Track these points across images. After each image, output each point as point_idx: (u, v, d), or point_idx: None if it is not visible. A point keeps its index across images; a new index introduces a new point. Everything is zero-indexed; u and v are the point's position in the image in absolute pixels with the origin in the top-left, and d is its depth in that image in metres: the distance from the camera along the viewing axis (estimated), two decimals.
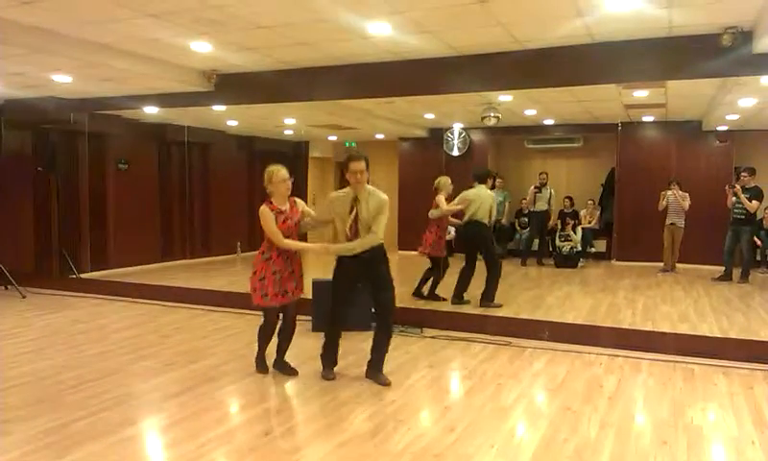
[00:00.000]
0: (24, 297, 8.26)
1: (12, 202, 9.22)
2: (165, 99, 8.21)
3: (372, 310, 5.67)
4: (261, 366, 5.01)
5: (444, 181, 7.75)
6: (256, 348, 5.02)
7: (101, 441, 3.64)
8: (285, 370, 4.96)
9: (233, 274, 10.67)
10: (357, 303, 5.29)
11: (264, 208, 4.63)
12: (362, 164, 4.55)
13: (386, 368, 5.07)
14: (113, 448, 3.57)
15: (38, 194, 9.58)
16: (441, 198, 7.59)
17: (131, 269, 10.36)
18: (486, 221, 7.46)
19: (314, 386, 4.69)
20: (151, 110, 9.02)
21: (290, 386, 4.79)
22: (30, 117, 8.92)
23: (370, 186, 4.66)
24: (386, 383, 4.68)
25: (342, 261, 4.76)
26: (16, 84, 7.63)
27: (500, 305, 7.34)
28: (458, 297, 7.49)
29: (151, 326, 6.76)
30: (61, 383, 4.71)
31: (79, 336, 6.26)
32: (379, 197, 4.61)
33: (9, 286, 8.50)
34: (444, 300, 7.61)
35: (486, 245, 7.56)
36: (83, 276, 9.46)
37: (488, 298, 7.38)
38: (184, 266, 11.35)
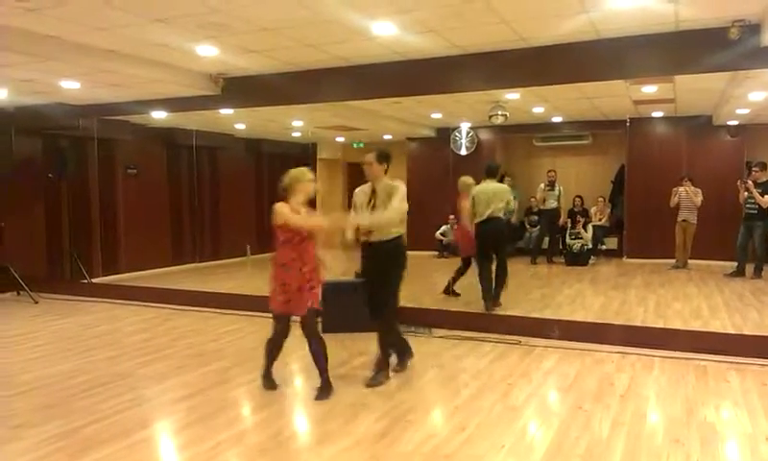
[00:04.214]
0: (36, 302, 8.32)
1: (24, 208, 9.29)
2: (173, 103, 8.24)
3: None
4: (270, 383, 4.69)
5: (465, 184, 7.75)
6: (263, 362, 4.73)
7: (112, 445, 3.66)
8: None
9: (244, 276, 10.70)
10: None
11: (281, 204, 4.47)
12: (371, 156, 4.81)
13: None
14: (125, 451, 3.58)
15: (49, 200, 9.65)
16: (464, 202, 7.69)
17: (141, 273, 10.43)
18: (501, 216, 7.25)
19: None
20: (159, 115, 9.07)
21: (300, 388, 4.79)
22: (40, 124, 8.98)
23: (388, 180, 4.83)
24: (368, 384, 4.66)
25: (363, 255, 4.90)
26: (26, 91, 7.69)
27: (501, 305, 7.31)
28: (495, 298, 7.36)
29: (162, 329, 6.79)
30: (73, 387, 4.74)
31: (90, 340, 6.30)
32: (391, 184, 4.81)
33: (21, 292, 8.58)
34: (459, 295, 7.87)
35: (503, 242, 7.48)
36: (94, 280, 9.54)
37: (496, 298, 7.30)
38: (195, 269, 11.40)
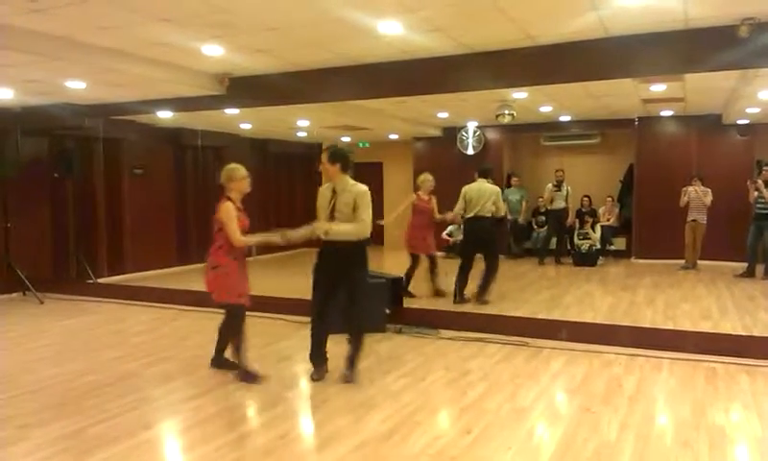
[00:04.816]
0: (42, 302, 8.32)
1: (30, 208, 9.31)
2: (179, 103, 8.24)
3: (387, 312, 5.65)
4: (253, 377, 4.79)
5: (421, 179, 8.11)
6: (240, 361, 4.83)
7: (118, 445, 3.65)
8: (227, 365, 5.09)
9: (249, 277, 10.66)
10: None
11: (229, 204, 4.65)
12: (323, 156, 4.73)
13: (403, 369, 5.07)
14: (130, 451, 3.57)
15: (55, 200, 9.67)
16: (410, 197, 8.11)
17: (147, 273, 10.43)
18: (489, 216, 7.42)
19: (329, 389, 4.66)
20: (165, 115, 9.07)
21: (305, 389, 4.77)
22: (46, 124, 8.99)
23: (351, 180, 4.72)
24: (348, 380, 4.70)
25: (321, 255, 4.79)
26: (32, 91, 7.70)
27: (488, 302, 7.43)
28: (460, 295, 7.52)
29: (167, 329, 6.78)
30: (79, 388, 4.73)
31: (96, 341, 6.30)
32: (355, 189, 4.67)
33: (27, 292, 8.59)
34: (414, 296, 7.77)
35: (490, 241, 7.54)
36: (100, 280, 9.55)
37: (482, 294, 7.44)
38: (200, 270, 11.31)
